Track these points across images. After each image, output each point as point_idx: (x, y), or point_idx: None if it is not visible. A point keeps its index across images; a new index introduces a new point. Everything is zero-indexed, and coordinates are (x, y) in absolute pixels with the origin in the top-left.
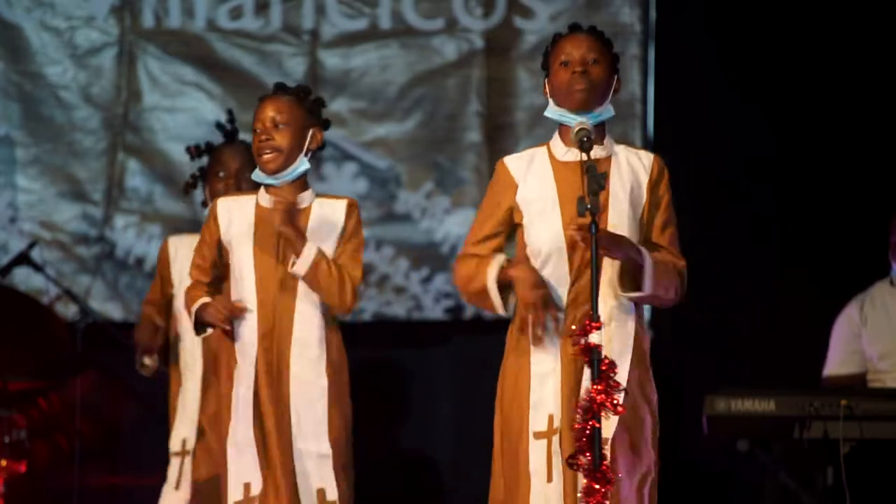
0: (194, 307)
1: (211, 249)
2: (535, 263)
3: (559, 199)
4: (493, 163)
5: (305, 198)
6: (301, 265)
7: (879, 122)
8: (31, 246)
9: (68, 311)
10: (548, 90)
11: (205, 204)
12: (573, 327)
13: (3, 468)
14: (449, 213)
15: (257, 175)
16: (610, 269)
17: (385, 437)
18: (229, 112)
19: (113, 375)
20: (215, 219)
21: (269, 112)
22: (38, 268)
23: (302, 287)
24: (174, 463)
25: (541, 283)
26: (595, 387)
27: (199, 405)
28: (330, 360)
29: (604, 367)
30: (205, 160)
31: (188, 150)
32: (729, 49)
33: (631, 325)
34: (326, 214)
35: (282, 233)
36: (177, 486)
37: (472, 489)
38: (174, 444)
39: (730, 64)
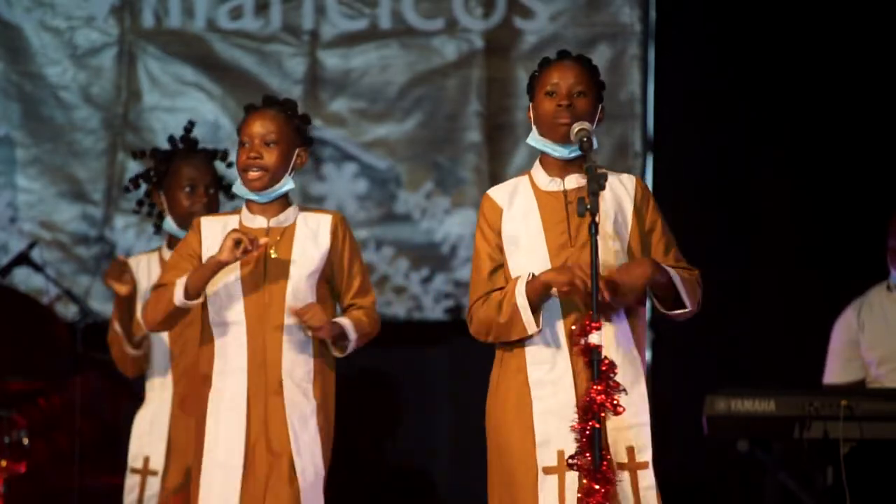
0: (183, 279)
1: (191, 264)
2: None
3: (544, 229)
4: (493, 163)
5: (290, 215)
6: (350, 349)
7: (880, 122)
8: (31, 246)
9: (68, 311)
10: (531, 116)
11: (140, 203)
12: (572, 327)
13: (2, 468)
14: (449, 214)
15: (240, 189)
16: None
17: (384, 438)
18: (190, 122)
19: (112, 375)
20: (198, 236)
21: (259, 128)
22: (38, 268)
23: (289, 302)
24: (134, 480)
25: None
26: (595, 387)
27: (171, 424)
28: (318, 377)
29: (604, 368)
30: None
31: (134, 154)
32: (729, 48)
33: (630, 339)
34: (312, 230)
35: (327, 337)
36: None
37: (471, 491)
38: (135, 461)
39: (730, 63)
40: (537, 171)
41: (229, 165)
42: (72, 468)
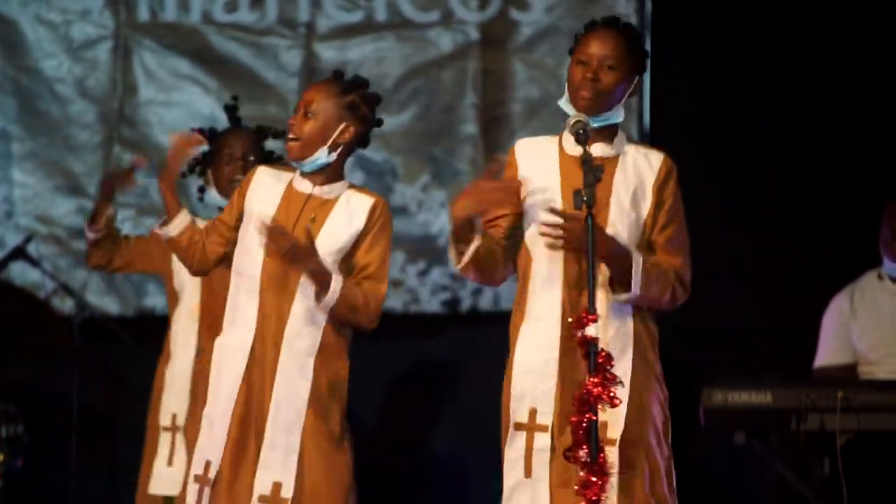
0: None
1: (232, 211)
2: (535, 255)
3: (562, 191)
4: (489, 155)
5: (335, 189)
6: (329, 301)
7: (878, 113)
8: (27, 240)
9: (65, 305)
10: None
11: (202, 190)
12: (569, 320)
13: (0, 462)
14: (445, 206)
15: (286, 153)
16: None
17: (381, 430)
18: (234, 98)
19: (110, 369)
20: (248, 183)
21: (307, 98)
22: (34, 262)
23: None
24: (165, 438)
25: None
26: (592, 379)
27: (193, 380)
28: (323, 354)
29: (601, 360)
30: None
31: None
32: (725, 40)
33: (629, 323)
34: (350, 210)
35: (309, 271)
36: (169, 462)
37: (469, 481)
38: (163, 419)
39: (726, 55)
40: (567, 133)
41: (276, 136)
42: (69, 463)
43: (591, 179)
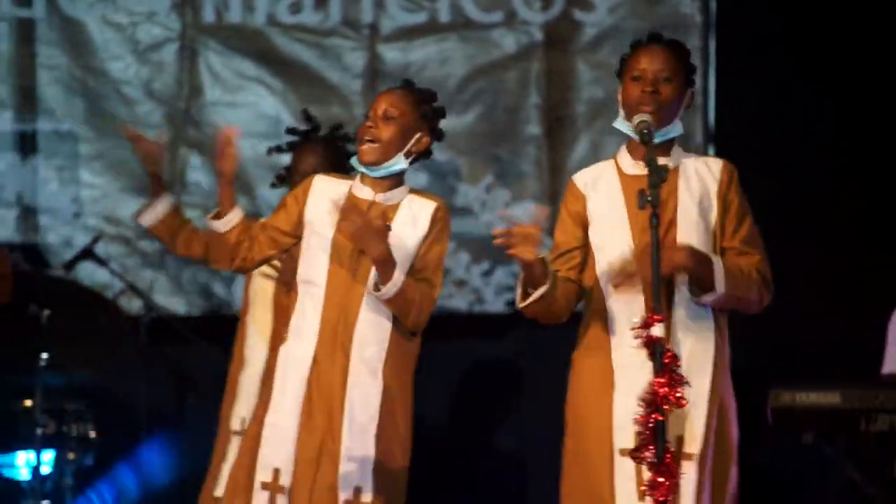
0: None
1: (289, 218)
2: (602, 278)
3: (628, 214)
4: (553, 155)
5: (397, 194)
6: (388, 291)
7: None
8: (95, 241)
9: (132, 305)
10: (620, 100)
11: None
12: (634, 320)
13: (70, 461)
14: (509, 207)
15: (355, 161)
16: (683, 284)
17: (445, 430)
18: (304, 111)
19: (177, 369)
20: (306, 192)
21: (384, 103)
22: (102, 262)
23: (372, 281)
24: (235, 442)
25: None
26: (658, 380)
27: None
28: (391, 360)
29: (666, 361)
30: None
31: (269, 151)
32: (790, 39)
33: (711, 339)
34: (414, 214)
35: (378, 257)
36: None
37: (531, 482)
38: (234, 424)
39: (791, 54)
40: (622, 154)
41: (347, 139)
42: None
43: (655, 179)
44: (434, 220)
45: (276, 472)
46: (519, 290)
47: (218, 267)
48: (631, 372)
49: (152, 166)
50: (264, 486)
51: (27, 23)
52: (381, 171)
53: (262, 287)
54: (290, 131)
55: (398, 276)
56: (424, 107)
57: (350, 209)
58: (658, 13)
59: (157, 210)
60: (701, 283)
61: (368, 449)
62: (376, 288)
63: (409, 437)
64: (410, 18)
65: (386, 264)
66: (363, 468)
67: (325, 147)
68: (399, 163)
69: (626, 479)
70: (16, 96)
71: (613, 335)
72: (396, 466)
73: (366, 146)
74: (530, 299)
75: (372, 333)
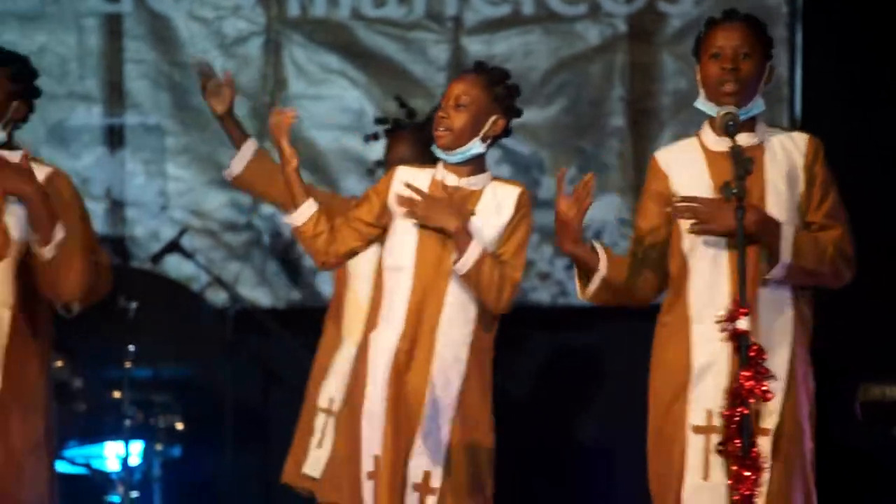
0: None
1: (372, 209)
2: (694, 257)
3: (713, 189)
4: (637, 148)
5: (479, 180)
6: (464, 264)
7: None
8: (182, 234)
9: (218, 298)
10: (699, 80)
11: None
12: (720, 313)
13: (158, 452)
14: (593, 199)
15: (434, 148)
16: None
17: (528, 422)
18: (398, 98)
19: (262, 362)
20: (389, 182)
21: (456, 90)
22: (188, 255)
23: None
24: (320, 419)
25: None
26: (744, 373)
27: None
28: (475, 345)
29: (752, 354)
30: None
31: (365, 138)
32: (878, 28)
33: (788, 313)
34: (498, 201)
35: (453, 230)
36: (319, 444)
37: (615, 475)
38: (322, 401)
39: (879, 44)
40: (706, 131)
41: (421, 127)
42: (223, 452)
43: (740, 171)
44: (518, 206)
45: (377, 459)
46: (577, 282)
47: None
48: (708, 350)
49: (220, 106)
50: (369, 475)
51: (115, 18)
52: (458, 155)
53: (362, 267)
54: (381, 121)
55: (474, 248)
56: (496, 89)
57: (413, 191)
58: (743, 4)
59: (244, 154)
60: (771, 252)
61: (444, 434)
62: (454, 262)
63: (491, 423)
64: (494, 11)
65: (461, 237)
66: (435, 453)
67: (417, 135)
68: (475, 147)
69: (698, 458)
70: (104, 91)
71: (694, 321)
72: (476, 452)
73: (439, 132)
74: (591, 288)
75: (458, 317)
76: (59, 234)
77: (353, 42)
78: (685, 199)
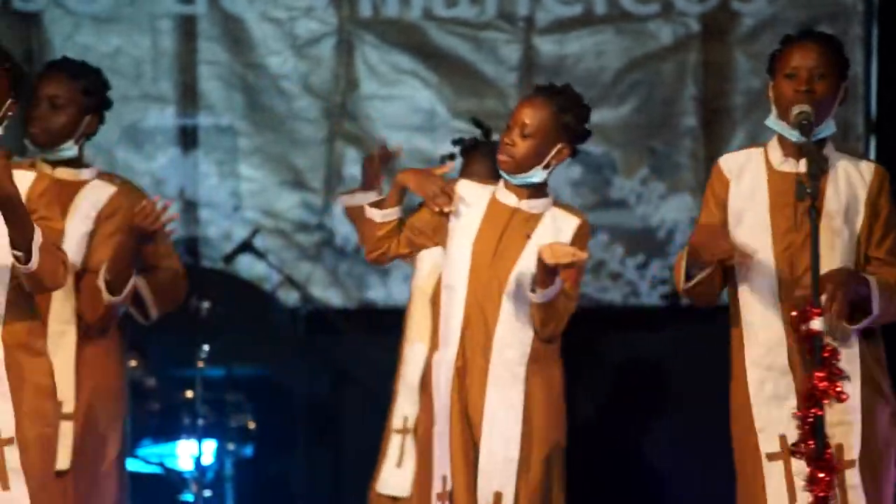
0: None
1: (428, 220)
2: (742, 268)
3: (770, 209)
4: (710, 148)
5: (540, 205)
6: (547, 295)
7: None
8: (254, 234)
9: (289, 298)
10: (771, 97)
11: None
12: (793, 314)
13: (230, 452)
14: (665, 199)
15: (499, 166)
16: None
17: (598, 423)
18: (473, 119)
19: (334, 361)
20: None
21: (524, 116)
22: (260, 255)
23: (512, 285)
24: (395, 440)
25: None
26: (817, 374)
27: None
28: (533, 360)
29: (826, 354)
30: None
31: (442, 159)
32: None
33: (855, 346)
34: (557, 227)
35: (544, 267)
36: (399, 464)
37: (685, 478)
38: (396, 422)
39: None
40: (773, 147)
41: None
42: (295, 452)
43: (815, 170)
44: (577, 236)
45: (444, 479)
46: (681, 273)
47: (361, 244)
48: (767, 373)
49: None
50: (438, 496)
51: (189, 19)
52: (519, 180)
53: (421, 285)
54: (457, 142)
55: (559, 283)
56: (565, 117)
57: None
58: (818, 2)
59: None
60: (857, 303)
61: (511, 453)
62: (532, 290)
63: (563, 429)
64: (566, 11)
65: (547, 270)
66: (504, 473)
67: (492, 154)
68: (536, 175)
69: (777, 486)
70: (177, 92)
71: (747, 334)
72: (548, 464)
73: (503, 157)
74: (694, 281)
75: (512, 337)
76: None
77: (425, 42)
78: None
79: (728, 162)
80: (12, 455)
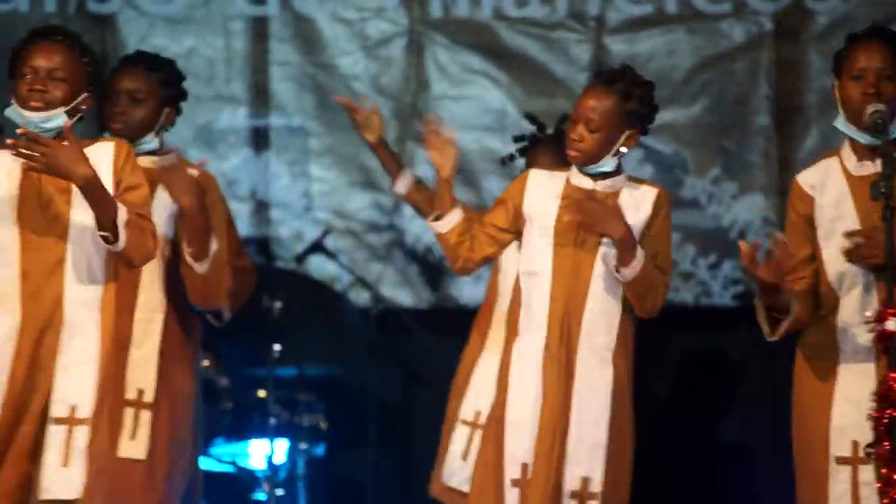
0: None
1: (506, 214)
2: (834, 282)
3: (858, 217)
4: (782, 147)
5: (616, 182)
6: (632, 270)
7: None
8: (325, 234)
9: (360, 298)
10: (838, 98)
11: None
12: (867, 313)
13: (302, 451)
14: (736, 199)
15: (568, 157)
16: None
17: (671, 424)
18: (527, 115)
19: (405, 361)
20: (522, 187)
21: (587, 111)
22: (331, 255)
23: (599, 269)
24: (463, 432)
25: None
26: (892, 375)
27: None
28: (620, 348)
29: None
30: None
31: (502, 161)
32: None
33: None
34: (636, 200)
35: (618, 237)
36: (464, 457)
37: (755, 477)
38: (467, 414)
39: None
40: (847, 152)
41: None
42: (366, 451)
43: (889, 171)
44: (658, 205)
45: (524, 467)
46: (764, 320)
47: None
48: (854, 378)
49: (371, 134)
50: (514, 482)
51: (261, 20)
52: (591, 170)
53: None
54: (518, 139)
55: (640, 254)
56: (629, 103)
57: (577, 198)
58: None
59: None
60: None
61: (600, 438)
62: (617, 270)
63: (634, 425)
64: (637, 10)
65: (626, 244)
66: (593, 458)
67: (554, 146)
68: (606, 164)
69: (842, 490)
70: (250, 93)
71: (841, 342)
72: (626, 455)
73: (571, 151)
74: (781, 329)
75: (601, 322)
76: (213, 247)
77: (496, 42)
78: (852, 233)
79: (807, 178)
80: (81, 434)
